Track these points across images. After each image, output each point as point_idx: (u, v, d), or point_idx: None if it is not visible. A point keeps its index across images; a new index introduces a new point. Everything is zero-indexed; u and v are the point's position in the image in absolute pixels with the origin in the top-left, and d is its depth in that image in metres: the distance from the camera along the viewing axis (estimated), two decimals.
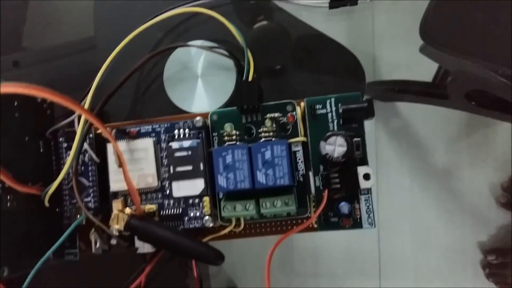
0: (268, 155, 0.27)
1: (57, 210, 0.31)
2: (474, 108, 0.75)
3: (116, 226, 0.26)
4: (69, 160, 0.27)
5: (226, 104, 0.33)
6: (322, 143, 0.27)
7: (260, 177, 0.27)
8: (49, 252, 0.26)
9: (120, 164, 0.26)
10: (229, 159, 0.27)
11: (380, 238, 0.96)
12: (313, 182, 0.27)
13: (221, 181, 0.27)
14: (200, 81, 0.33)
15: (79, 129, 0.27)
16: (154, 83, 0.35)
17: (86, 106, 0.29)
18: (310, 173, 0.27)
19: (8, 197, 0.26)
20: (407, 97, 0.82)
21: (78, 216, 0.30)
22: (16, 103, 0.28)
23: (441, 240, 0.98)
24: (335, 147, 0.27)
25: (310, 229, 0.30)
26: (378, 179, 0.85)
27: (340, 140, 0.27)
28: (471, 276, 0.92)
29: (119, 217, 0.26)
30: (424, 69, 0.74)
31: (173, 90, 0.33)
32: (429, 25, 0.60)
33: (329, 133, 0.27)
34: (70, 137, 0.31)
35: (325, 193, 0.28)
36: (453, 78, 0.76)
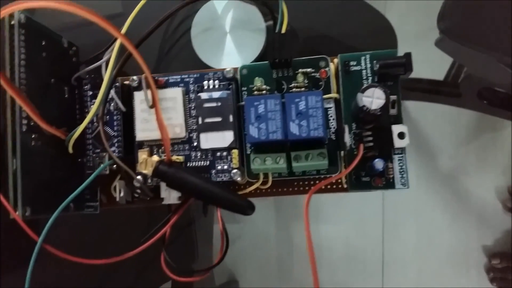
0: (302, 105, 0.26)
1: (79, 160, 0.30)
2: (485, 107, 0.74)
3: (145, 171, 0.25)
4: (96, 105, 0.26)
5: (255, 61, 0.32)
6: (359, 95, 0.26)
7: (293, 128, 0.26)
8: (70, 197, 0.25)
9: (153, 105, 0.25)
10: (261, 109, 0.27)
11: (384, 239, 0.95)
12: (348, 136, 0.26)
13: (252, 131, 0.26)
14: (229, 37, 0.32)
15: (108, 72, 0.26)
16: (181, 39, 0.35)
17: (113, 55, 0.28)
18: (346, 127, 0.26)
19: (33, 136, 0.25)
20: (417, 95, 0.81)
21: (102, 166, 0.29)
22: (43, 43, 0.27)
23: (445, 243, 0.97)
24: (373, 99, 0.26)
25: (340, 189, 0.29)
26: None
27: (378, 92, 0.26)
28: (475, 279, 0.91)
29: (147, 162, 0.25)
30: (434, 68, 0.74)
31: (201, 47, 0.33)
32: (448, 16, 0.60)
33: (366, 85, 0.26)
34: (95, 85, 0.30)
35: (361, 147, 0.27)
36: (467, 75, 0.75)
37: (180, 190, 0.27)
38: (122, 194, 0.28)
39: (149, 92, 0.27)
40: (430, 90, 0.78)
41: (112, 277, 0.43)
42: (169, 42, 0.35)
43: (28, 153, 0.25)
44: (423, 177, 0.91)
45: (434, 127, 0.91)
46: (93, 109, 0.26)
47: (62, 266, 0.38)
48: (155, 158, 0.27)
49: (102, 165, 0.28)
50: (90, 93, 0.30)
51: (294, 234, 0.96)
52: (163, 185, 0.28)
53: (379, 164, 0.27)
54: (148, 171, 0.25)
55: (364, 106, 0.26)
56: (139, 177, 0.27)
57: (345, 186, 0.29)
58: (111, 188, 0.30)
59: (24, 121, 0.25)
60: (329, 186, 0.30)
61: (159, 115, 0.25)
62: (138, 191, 0.28)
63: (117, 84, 0.29)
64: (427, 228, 0.92)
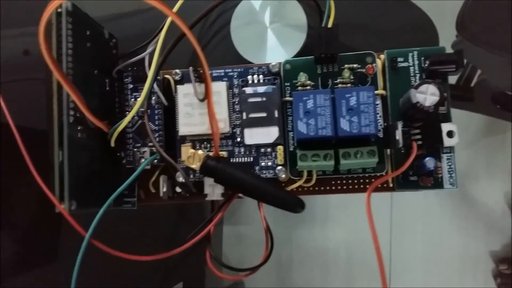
0: (353, 101, 0.26)
1: (117, 154, 0.29)
2: (498, 112, 0.74)
3: (193, 165, 0.25)
4: (142, 97, 0.26)
5: (296, 56, 0.31)
6: (412, 91, 0.25)
7: (344, 125, 0.26)
8: (119, 190, 0.25)
9: (206, 96, 0.24)
10: (310, 104, 0.26)
11: (392, 241, 0.95)
12: (400, 133, 0.26)
13: (301, 127, 0.26)
14: (270, 32, 0.32)
15: (153, 63, 0.26)
16: (218, 34, 0.34)
17: (159, 46, 0.28)
18: (399, 124, 0.25)
19: (79, 127, 0.25)
20: None
21: (143, 160, 0.28)
22: (88, 32, 0.26)
23: (453, 247, 0.96)
24: (426, 95, 0.25)
25: (386, 188, 0.29)
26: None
27: (432, 88, 0.25)
28: (482, 285, 0.90)
29: (195, 156, 0.25)
30: None
31: (241, 42, 0.32)
32: (467, 18, 0.59)
33: (420, 81, 0.26)
34: (137, 78, 0.29)
35: (414, 145, 0.26)
36: (481, 80, 0.75)
37: (228, 186, 0.26)
38: (165, 189, 0.27)
39: (198, 86, 0.27)
40: None
41: (123, 277, 0.43)
42: (206, 37, 0.34)
43: (74, 146, 0.24)
44: None
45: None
46: (139, 101, 0.25)
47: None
48: (201, 152, 0.26)
49: (149, 158, 0.27)
50: (131, 86, 0.29)
51: (302, 235, 0.96)
52: (207, 181, 0.27)
53: (430, 162, 0.27)
54: (196, 165, 0.25)
55: (417, 102, 0.25)
56: (182, 177, 0.26)
57: (391, 185, 0.28)
58: (149, 184, 0.30)
59: (71, 112, 0.24)
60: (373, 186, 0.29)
61: (212, 107, 0.24)
62: (181, 186, 0.27)
63: (159, 77, 0.29)
64: (435, 233, 0.91)
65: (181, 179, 0.26)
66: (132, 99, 0.29)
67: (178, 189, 0.28)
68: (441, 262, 0.93)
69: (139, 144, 0.29)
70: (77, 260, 0.23)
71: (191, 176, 0.28)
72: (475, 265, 0.93)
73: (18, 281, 0.40)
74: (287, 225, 0.95)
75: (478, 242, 0.93)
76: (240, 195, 0.28)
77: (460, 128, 0.26)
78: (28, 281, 0.40)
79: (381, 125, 0.28)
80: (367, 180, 0.29)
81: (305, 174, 0.28)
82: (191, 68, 0.27)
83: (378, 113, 0.28)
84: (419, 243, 0.94)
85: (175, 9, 0.29)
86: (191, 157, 0.25)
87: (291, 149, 0.28)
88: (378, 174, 0.28)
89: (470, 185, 0.92)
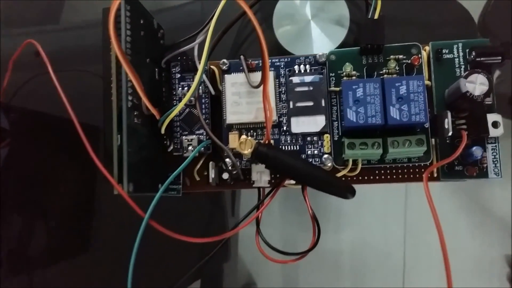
0: (403, 90, 0.26)
1: (164, 142, 0.30)
2: None
3: (245, 151, 0.25)
4: (194, 85, 0.26)
5: (339, 47, 0.32)
6: (462, 80, 0.26)
7: (394, 113, 0.26)
8: (174, 174, 0.25)
9: (263, 80, 0.24)
10: (359, 92, 0.26)
11: (406, 245, 0.94)
12: (450, 122, 0.26)
13: (350, 115, 0.26)
14: (313, 24, 0.32)
15: (205, 51, 0.26)
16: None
17: (208, 37, 0.28)
18: (448, 113, 0.26)
19: (135, 113, 0.25)
20: None
21: (191, 148, 0.29)
22: (142, 21, 0.27)
23: (468, 250, 0.95)
24: (476, 85, 0.26)
25: (432, 178, 0.29)
26: (407, 185, 0.84)
27: (481, 78, 0.26)
28: None
29: (247, 142, 0.25)
30: None
31: (283, 35, 0.33)
32: (489, 19, 0.60)
33: (469, 71, 0.26)
34: (184, 68, 0.30)
35: (464, 133, 0.26)
36: (499, 81, 0.75)
37: (278, 171, 0.27)
38: (213, 175, 0.28)
39: (250, 75, 0.27)
40: None
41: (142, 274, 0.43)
42: (245, 32, 0.35)
43: (131, 130, 0.25)
44: (447, 183, 0.91)
45: None
46: (193, 87, 0.26)
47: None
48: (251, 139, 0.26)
49: (202, 143, 0.28)
50: (179, 76, 0.30)
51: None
52: (254, 168, 0.28)
53: (478, 151, 0.27)
54: (247, 151, 0.25)
55: (467, 92, 0.26)
56: (232, 161, 0.26)
57: (435, 175, 0.29)
58: (194, 172, 0.30)
59: (130, 97, 0.25)
60: (418, 176, 0.29)
61: (267, 91, 0.24)
62: (229, 172, 0.28)
63: (206, 67, 0.29)
64: (450, 236, 0.91)
65: (230, 165, 0.27)
66: (180, 89, 0.30)
67: (224, 176, 0.29)
68: (456, 266, 0.93)
69: (187, 132, 0.29)
70: (135, 243, 0.23)
71: (238, 164, 0.28)
72: (490, 269, 0.92)
73: (49, 272, 0.40)
74: (299, 228, 0.94)
75: (493, 245, 0.92)
76: (285, 184, 0.28)
77: None
78: (59, 272, 0.41)
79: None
80: (411, 170, 0.29)
81: (350, 163, 0.29)
82: (242, 57, 0.28)
83: None
84: (433, 246, 0.93)
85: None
86: (243, 143, 0.25)
87: (335, 138, 0.29)
88: (423, 164, 0.29)
89: (486, 188, 0.91)
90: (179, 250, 0.45)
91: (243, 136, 0.26)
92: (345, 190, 0.25)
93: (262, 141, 0.26)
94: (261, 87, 0.26)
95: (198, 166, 0.30)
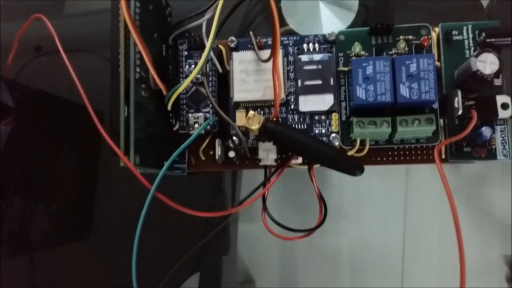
0: (413, 68, 0.26)
1: (170, 120, 0.29)
2: None
3: (253, 127, 0.25)
4: (202, 59, 0.26)
5: (349, 27, 0.32)
6: (472, 59, 0.26)
7: (404, 91, 0.26)
8: (178, 150, 0.25)
9: (273, 53, 0.24)
10: (369, 70, 0.26)
11: (405, 245, 0.94)
12: (460, 100, 0.26)
13: (360, 93, 0.26)
14: (322, 5, 0.32)
15: (213, 27, 0.26)
16: (265, 11, 0.35)
17: (217, 13, 0.28)
18: (459, 91, 0.26)
19: (143, 86, 0.25)
20: None
21: (197, 126, 0.28)
22: None
23: (467, 251, 0.95)
24: (486, 64, 0.25)
25: (441, 161, 0.28)
26: (408, 182, 0.84)
27: (492, 57, 0.25)
28: None
29: (255, 118, 0.25)
30: None
31: (292, 17, 0.32)
32: (499, 4, 0.60)
33: (479, 50, 0.26)
34: (191, 46, 0.30)
35: (474, 112, 0.26)
36: (505, 78, 0.75)
37: (286, 148, 0.26)
38: (219, 152, 0.27)
39: (261, 52, 0.27)
40: None
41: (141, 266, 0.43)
42: (253, 14, 0.35)
43: (138, 102, 0.24)
44: (448, 183, 0.90)
45: None
46: (201, 62, 0.26)
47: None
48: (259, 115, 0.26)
49: (209, 119, 0.27)
50: (186, 53, 0.30)
51: (314, 235, 0.95)
52: (261, 146, 0.28)
53: (487, 131, 0.27)
54: (255, 127, 0.25)
55: (477, 70, 0.25)
56: (238, 137, 0.26)
57: (443, 156, 0.29)
58: (199, 151, 0.30)
59: (138, 69, 0.24)
60: (426, 157, 0.29)
61: (277, 64, 0.24)
62: (235, 150, 0.27)
63: (213, 45, 0.29)
64: (449, 235, 0.90)
65: (237, 141, 0.27)
66: (187, 66, 0.30)
67: (230, 155, 0.28)
68: (455, 265, 0.92)
69: (193, 110, 0.29)
70: (140, 216, 0.23)
71: (245, 139, 0.28)
72: (489, 269, 0.92)
73: (50, 255, 0.40)
74: (299, 226, 0.94)
75: (493, 246, 0.92)
76: (292, 163, 0.28)
77: None
78: (60, 255, 0.40)
79: None
80: (419, 152, 0.29)
81: (358, 143, 0.28)
82: (251, 32, 0.28)
83: None
84: (433, 246, 0.93)
85: None
86: (251, 118, 0.25)
87: (343, 119, 0.29)
88: (431, 145, 0.28)
89: (486, 188, 0.91)
90: (181, 238, 0.45)
91: (251, 112, 0.25)
92: (353, 167, 0.25)
93: (270, 118, 0.26)
94: (270, 63, 0.26)
95: (204, 145, 0.30)
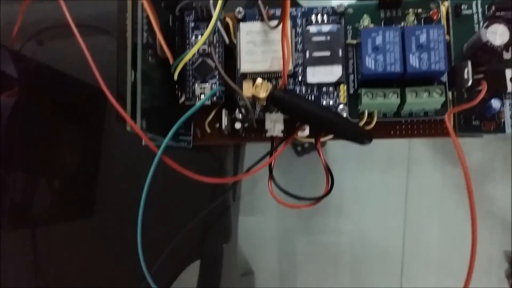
0: (423, 38, 0.26)
1: (176, 92, 0.29)
2: None
3: (260, 95, 0.25)
4: (210, 27, 0.26)
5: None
6: (483, 31, 0.25)
7: (413, 61, 0.25)
8: (184, 116, 0.24)
9: (283, 17, 0.24)
10: (379, 40, 0.26)
11: (405, 239, 0.94)
12: (470, 71, 0.26)
13: (369, 63, 0.26)
14: None
15: None
16: None
17: None
18: (469, 62, 0.25)
19: (150, 51, 0.25)
20: None
21: (203, 96, 0.28)
22: None
23: (467, 245, 0.95)
24: (496, 35, 0.25)
25: (448, 133, 0.28)
26: (408, 178, 0.83)
27: (502, 28, 0.25)
28: (495, 284, 0.89)
29: (263, 85, 0.25)
30: None
31: None
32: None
33: (490, 21, 0.26)
34: (198, 17, 0.29)
35: (484, 83, 0.26)
36: None
37: (295, 116, 0.26)
38: (226, 122, 0.27)
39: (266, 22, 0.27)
40: None
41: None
42: None
43: (145, 67, 0.24)
44: (449, 178, 0.90)
45: None
46: (208, 29, 0.25)
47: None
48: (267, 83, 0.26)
49: (215, 88, 0.27)
50: (193, 24, 0.29)
51: (314, 230, 0.95)
52: (268, 116, 0.27)
53: (496, 103, 0.26)
54: (263, 95, 0.25)
55: (488, 41, 0.25)
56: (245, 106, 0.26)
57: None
58: (205, 123, 0.30)
59: (145, 34, 0.24)
60: (434, 131, 0.29)
61: (286, 28, 0.24)
62: (242, 120, 0.27)
63: (221, 15, 0.29)
64: (449, 231, 0.90)
65: (243, 109, 0.26)
66: (193, 37, 0.29)
67: (237, 126, 0.28)
68: (455, 261, 0.92)
69: (199, 81, 0.29)
70: (146, 182, 0.22)
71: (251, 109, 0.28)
72: (489, 265, 0.92)
73: (51, 230, 0.39)
74: (299, 217, 0.94)
75: (493, 241, 0.92)
76: (299, 136, 0.28)
77: None
78: (62, 232, 0.40)
79: None
80: (427, 126, 0.29)
81: (366, 115, 0.28)
82: (260, 1, 0.27)
83: None
84: (433, 241, 0.93)
85: None
86: (259, 86, 0.25)
87: (351, 92, 0.28)
88: (439, 119, 0.28)
89: (487, 184, 0.91)
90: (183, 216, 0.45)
91: (259, 79, 0.25)
92: (362, 135, 0.24)
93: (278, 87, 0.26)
94: (278, 34, 0.25)
95: (210, 117, 0.30)
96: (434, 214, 0.91)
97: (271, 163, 0.26)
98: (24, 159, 0.34)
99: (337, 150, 0.71)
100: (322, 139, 0.28)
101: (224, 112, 0.28)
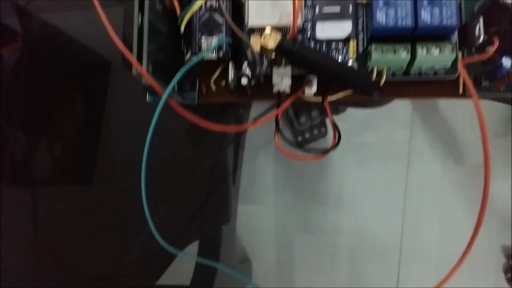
0: None
1: (182, 48, 0.29)
2: None
3: (268, 45, 0.24)
4: None
5: None
6: None
7: (425, 16, 0.25)
8: (193, 61, 0.24)
9: None
10: None
11: (404, 234, 0.94)
12: (482, 27, 0.25)
13: (380, 17, 0.25)
14: None
15: None
16: None
17: None
18: (481, 18, 0.25)
19: None
20: None
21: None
22: None
23: (466, 240, 0.94)
24: None
25: (457, 95, 0.28)
26: (408, 172, 0.83)
27: None
28: (493, 279, 0.89)
29: (272, 35, 0.24)
30: None
31: None
32: None
33: None
34: None
35: (495, 40, 0.26)
36: None
37: (304, 67, 0.26)
38: (232, 76, 0.27)
39: None
40: None
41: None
42: None
43: (152, 13, 0.24)
44: (449, 173, 0.90)
45: (464, 123, 0.90)
46: None
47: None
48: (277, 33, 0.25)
49: (222, 39, 0.27)
50: None
51: (312, 224, 0.95)
52: (276, 71, 0.27)
53: (507, 62, 0.26)
54: (271, 45, 0.24)
55: None
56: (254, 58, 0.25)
57: (461, 91, 0.28)
58: (211, 81, 0.29)
59: None
60: (443, 91, 0.28)
61: None
62: (247, 78, 0.27)
63: None
64: (449, 225, 0.90)
65: (251, 61, 0.26)
66: None
67: (243, 81, 0.28)
68: (453, 254, 0.92)
69: (206, 34, 0.28)
70: (151, 124, 0.22)
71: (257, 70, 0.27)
72: (487, 260, 0.92)
73: (52, 192, 0.39)
74: (298, 211, 0.94)
75: (491, 236, 0.92)
76: (306, 94, 0.28)
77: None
78: (61, 195, 0.39)
79: None
80: (436, 86, 0.28)
81: (375, 74, 0.28)
82: None
83: None
84: (431, 236, 0.92)
85: None
86: (267, 36, 0.24)
87: (360, 51, 0.28)
88: (448, 79, 0.28)
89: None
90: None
91: (268, 29, 0.25)
92: (371, 85, 0.24)
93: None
94: None
95: (216, 75, 0.29)
96: (433, 210, 0.91)
97: (278, 115, 0.26)
98: (23, 119, 0.34)
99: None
100: (330, 98, 0.28)
101: (230, 64, 0.27)
